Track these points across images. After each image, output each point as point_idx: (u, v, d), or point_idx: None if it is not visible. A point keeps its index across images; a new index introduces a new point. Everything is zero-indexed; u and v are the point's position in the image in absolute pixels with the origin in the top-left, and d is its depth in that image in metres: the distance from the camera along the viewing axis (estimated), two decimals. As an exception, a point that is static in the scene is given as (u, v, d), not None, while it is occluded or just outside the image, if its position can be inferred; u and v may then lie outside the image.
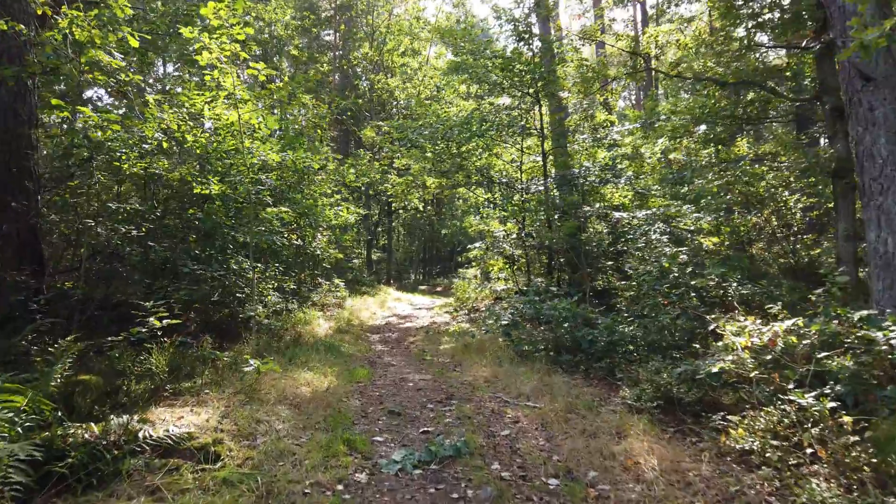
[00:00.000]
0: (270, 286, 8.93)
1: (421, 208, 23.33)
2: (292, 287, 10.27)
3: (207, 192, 7.69)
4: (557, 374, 6.73)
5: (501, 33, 12.93)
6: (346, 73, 24.81)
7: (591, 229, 10.90)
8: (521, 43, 12.79)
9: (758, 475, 3.84)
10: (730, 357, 5.09)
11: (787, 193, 11.59)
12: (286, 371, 6.21)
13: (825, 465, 3.67)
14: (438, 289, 27.30)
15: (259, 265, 8.80)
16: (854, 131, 6.01)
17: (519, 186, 12.08)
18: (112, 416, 4.22)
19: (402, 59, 23.06)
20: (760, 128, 18.12)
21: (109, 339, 5.39)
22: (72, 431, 3.99)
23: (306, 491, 3.56)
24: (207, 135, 7.74)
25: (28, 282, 6.36)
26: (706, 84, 13.36)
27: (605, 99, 13.70)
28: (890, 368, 4.37)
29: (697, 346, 7.02)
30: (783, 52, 12.64)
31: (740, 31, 12.45)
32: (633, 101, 29.82)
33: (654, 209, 11.05)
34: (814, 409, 3.97)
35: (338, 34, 25.05)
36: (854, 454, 3.60)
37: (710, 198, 10.56)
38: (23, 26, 6.26)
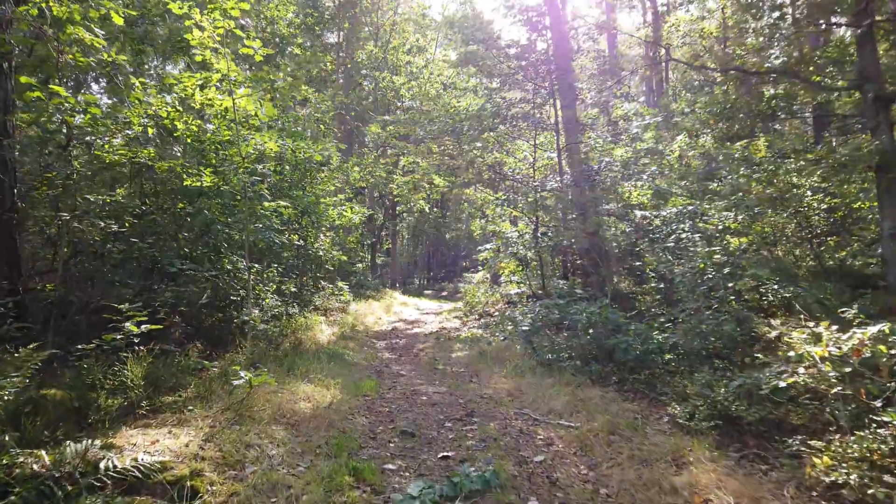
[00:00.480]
0: (269, 289, 8.22)
1: (427, 210, 22.63)
2: (293, 290, 9.55)
3: (199, 184, 6.99)
4: (588, 386, 5.98)
5: (514, 23, 12.18)
6: (349, 72, 24.20)
7: (614, 228, 10.16)
8: (535, 34, 12.11)
9: (863, 518, 3.09)
10: (801, 369, 4.35)
11: (809, 193, 10.88)
12: (283, 383, 5.48)
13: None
14: (444, 293, 26.58)
15: (256, 266, 8.10)
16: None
17: (534, 184, 11.38)
18: (70, 441, 3.51)
19: (408, 57, 22.41)
20: (774, 125, 17.40)
21: (80, 346, 4.67)
22: (20, 460, 3.29)
23: (303, 540, 2.84)
24: (199, 122, 7.05)
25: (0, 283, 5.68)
26: (725, 79, 12.70)
27: (624, 92, 12.98)
28: None
29: (749, 354, 6.32)
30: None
31: (762, 22, 11.78)
32: (644, 101, 29.08)
33: (679, 207, 10.32)
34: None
35: (341, 33, 24.47)
36: None
37: (741, 195, 9.82)
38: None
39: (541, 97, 12.43)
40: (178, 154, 7.07)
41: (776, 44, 11.61)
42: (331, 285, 12.50)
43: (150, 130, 6.45)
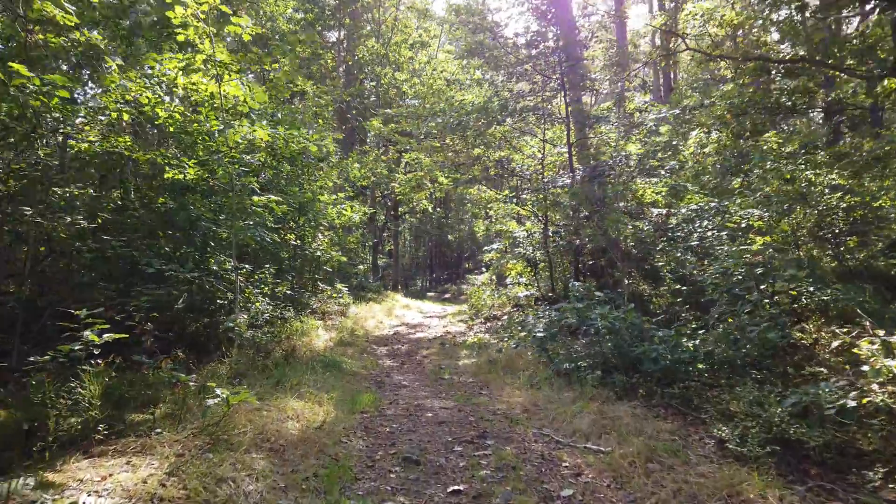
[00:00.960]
0: (260, 291, 7.59)
1: (430, 209, 21.99)
2: (287, 292, 8.92)
3: (182, 177, 6.36)
4: (613, 401, 5.32)
5: (522, 13, 11.54)
6: (351, 70, 23.60)
7: (630, 227, 9.49)
8: (543, 22, 11.47)
9: None
10: (875, 385, 3.70)
11: (826, 191, 10.25)
12: (270, 398, 4.84)
13: None
14: (447, 295, 25.93)
15: (246, 266, 7.47)
16: None
17: (544, 180, 10.74)
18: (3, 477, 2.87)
19: (410, 53, 21.78)
20: (790, 121, 16.76)
21: (31, 359, 4.04)
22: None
23: None
24: (182, 109, 6.43)
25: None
26: (741, 73, 12.04)
27: (637, 84, 12.32)
28: None
29: (789, 364, 5.68)
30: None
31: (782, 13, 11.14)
32: (651, 98, 28.42)
33: (700, 204, 9.68)
34: None
35: (342, 30, 23.88)
36: None
37: (767, 190, 9.18)
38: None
39: (550, 90, 11.79)
40: (162, 143, 6.45)
41: (801, 34, 10.96)
42: (329, 287, 11.85)
43: (124, 116, 5.82)
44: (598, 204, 9.26)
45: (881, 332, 4.04)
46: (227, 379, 5.29)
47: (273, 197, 6.40)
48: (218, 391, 3.86)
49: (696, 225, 8.90)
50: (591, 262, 11.31)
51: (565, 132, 12.40)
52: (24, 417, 3.78)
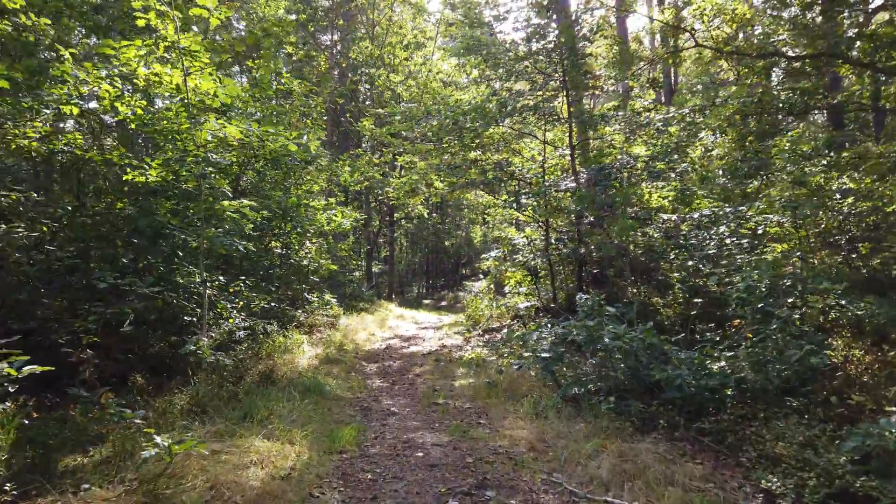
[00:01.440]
0: (234, 306, 6.87)
1: (426, 215, 21.31)
2: (267, 305, 8.20)
3: (143, 179, 5.66)
4: (631, 434, 4.63)
5: (520, 7, 10.89)
6: (345, 73, 22.97)
7: (639, 234, 8.83)
8: (543, 16, 10.84)
9: None
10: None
11: (837, 195, 9.64)
12: (232, 437, 4.12)
13: None
14: (443, 303, 25.20)
15: (219, 278, 6.76)
16: None
17: (545, 184, 10.07)
18: None
19: (405, 54, 21.16)
20: (801, 122, 16.18)
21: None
22: None
23: None
24: (144, 103, 5.73)
25: None
26: (750, 72, 11.45)
27: (646, 81, 11.68)
28: None
29: (830, 391, 4.99)
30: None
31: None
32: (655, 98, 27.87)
33: (714, 209, 9.04)
34: None
35: (336, 31, 23.26)
36: None
37: (787, 194, 8.54)
38: None
39: (551, 89, 11.14)
40: (116, 142, 5.75)
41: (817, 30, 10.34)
42: (316, 298, 11.13)
43: (74, 110, 5.12)
44: (605, 209, 8.58)
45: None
46: (186, 412, 4.57)
47: (246, 202, 5.69)
48: (158, 439, 3.15)
49: (712, 231, 8.24)
50: (594, 272, 10.63)
51: (566, 134, 11.77)
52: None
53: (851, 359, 5.98)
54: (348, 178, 12.92)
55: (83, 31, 6.47)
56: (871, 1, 9.58)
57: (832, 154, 9.64)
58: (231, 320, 6.47)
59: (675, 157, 9.85)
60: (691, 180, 11.06)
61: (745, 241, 7.75)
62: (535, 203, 9.56)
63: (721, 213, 8.67)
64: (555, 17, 10.99)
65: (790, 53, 10.57)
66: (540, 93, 10.85)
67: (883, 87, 10.49)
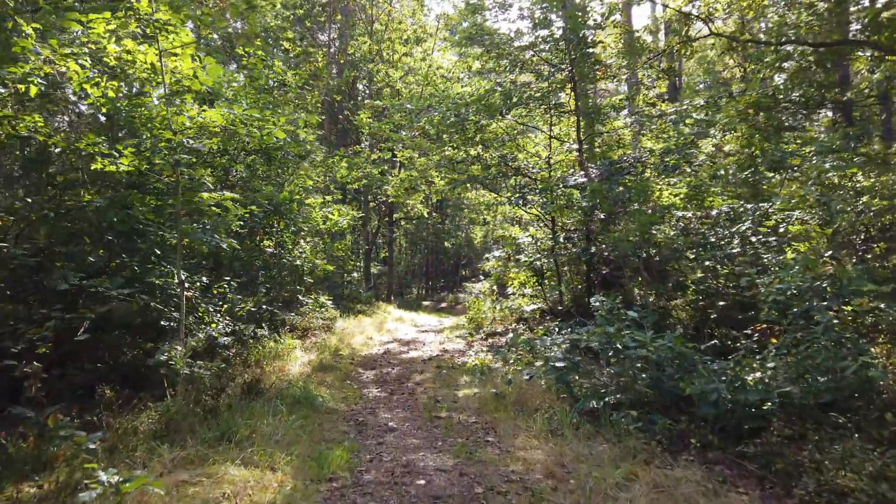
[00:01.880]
0: (217, 309, 6.30)
1: (425, 215, 20.74)
2: (251, 309, 7.63)
3: (115, 168, 5.09)
4: (660, 456, 4.07)
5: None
6: (343, 69, 22.40)
7: (659, 232, 8.26)
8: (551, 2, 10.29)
9: None
10: None
11: (851, 193, 9.12)
12: (205, 463, 3.56)
13: None
14: (443, 305, 24.64)
15: (201, 279, 6.19)
16: None
17: (555, 179, 9.53)
18: None
19: (405, 49, 20.59)
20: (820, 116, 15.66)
21: None
22: None
23: None
24: (115, 84, 5.17)
25: None
26: (765, 64, 10.93)
27: (661, 70, 11.13)
28: None
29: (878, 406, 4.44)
30: None
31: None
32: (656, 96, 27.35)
33: (731, 205, 8.50)
34: None
35: (333, 26, 22.70)
36: None
37: (818, 190, 7.99)
38: None
39: (558, 82, 10.58)
40: (88, 128, 5.19)
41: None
42: (311, 300, 10.57)
43: (32, 91, 4.56)
44: (619, 205, 8.02)
45: None
46: (153, 433, 3.99)
47: (228, 194, 5.12)
48: (102, 475, 2.58)
49: (733, 229, 7.69)
50: (604, 272, 10.06)
51: (573, 128, 11.22)
52: None
53: (891, 368, 5.44)
54: (344, 175, 12.35)
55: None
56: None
57: (855, 148, 9.11)
58: (214, 325, 5.90)
59: (692, 150, 9.29)
60: (703, 177, 10.53)
61: (773, 238, 7.20)
62: (543, 199, 9.00)
63: (741, 209, 8.13)
64: (564, 4, 10.46)
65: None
66: (546, 84, 10.31)
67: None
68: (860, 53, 10.16)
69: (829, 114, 12.12)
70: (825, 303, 5.34)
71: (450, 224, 29.94)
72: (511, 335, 9.65)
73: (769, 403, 4.36)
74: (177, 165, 4.80)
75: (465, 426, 5.28)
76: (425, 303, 24.96)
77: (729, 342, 6.64)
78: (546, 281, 11.18)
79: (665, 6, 10.57)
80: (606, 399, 5.18)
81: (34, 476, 3.29)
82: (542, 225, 11.58)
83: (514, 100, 9.44)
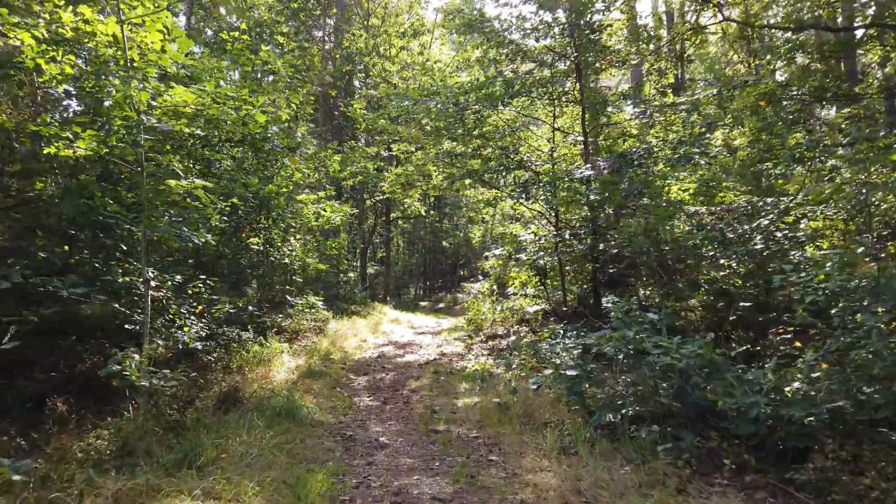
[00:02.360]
0: (193, 310, 5.72)
1: (423, 213, 20.17)
2: (231, 310, 7.06)
3: (71, 152, 4.51)
4: (691, 481, 3.51)
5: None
6: (338, 64, 21.83)
7: (668, 227, 7.71)
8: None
9: None
10: None
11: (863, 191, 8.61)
12: (156, 496, 2.98)
13: None
14: (441, 305, 24.05)
15: (174, 278, 5.61)
16: None
17: (560, 172, 8.97)
18: None
19: (402, 42, 20.01)
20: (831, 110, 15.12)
21: None
22: None
23: None
24: (73, 58, 4.60)
25: None
26: (778, 52, 10.40)
27: (672, 57, 10.59)
28: None
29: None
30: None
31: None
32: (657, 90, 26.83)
33: (745, 199, 7.98)
34: None
35: (329, 20, 22.12)
36: None
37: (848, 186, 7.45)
38: None
39: (560, 72, 10.03)
40: (42, 108, 4.61)
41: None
42: (301, 301, 10.00)
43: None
44: (630, 198, 7.46)
45: None
46: (103, 456, 3.41)
47: (199, 182, 4.54)
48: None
49: (754, 224, 7.13)
50: (610, 271, 9.50)
51: (577, 120, 10.67)
52: None
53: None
54: (337, 168, 11.78)
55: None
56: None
57: (876, 142, 8.58)
58: (186, 328, 5.32)
59: (707, 140, 8.74)
60: (715, 170, 9.99)
61: (801, 234, 6.66)
62: (547, 193, 8.43)
63: (759, 203, 7.60)
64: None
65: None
66: (549, 72, 9.77)
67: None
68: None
69: (834, 110, 11.64)
70: (875, 304, 4.75)
71: (448, 223, 29.39)
72: (513, 338, 9.07)
73: (814, 419, 3.80)
74: (135, 146, 4.22)
75: (466, 442, 4.71)
76: (423, 303, 24.38)
77: (748, 346, 6.09)
78: (549, 280, 10.62)
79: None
80: (623, 409, 4.62)
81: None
82: (544, 222, 11.03)
83: (517, 87, 8.87)
